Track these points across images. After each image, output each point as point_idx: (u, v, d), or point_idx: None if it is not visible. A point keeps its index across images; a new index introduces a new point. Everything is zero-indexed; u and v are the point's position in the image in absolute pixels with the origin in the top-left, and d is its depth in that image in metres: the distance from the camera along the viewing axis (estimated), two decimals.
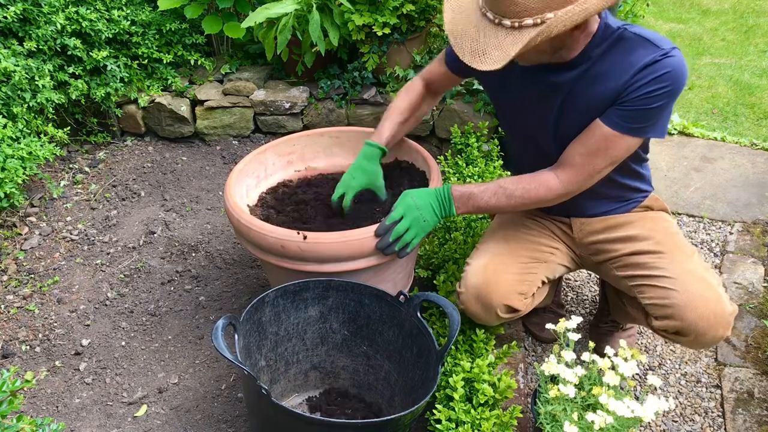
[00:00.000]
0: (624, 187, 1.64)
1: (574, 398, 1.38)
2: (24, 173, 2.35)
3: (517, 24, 1.26)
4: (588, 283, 2.31)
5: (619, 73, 1.40)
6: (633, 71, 1.38)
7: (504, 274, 1.64)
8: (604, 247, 1.68)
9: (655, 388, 1.90)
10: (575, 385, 1.37)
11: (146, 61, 2.92)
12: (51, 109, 2.62)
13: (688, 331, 1.49)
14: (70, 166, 2.86)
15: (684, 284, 1.49)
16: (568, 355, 1.41)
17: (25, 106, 2.50)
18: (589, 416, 1.29)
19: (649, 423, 1.81)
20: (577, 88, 1.46)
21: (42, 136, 2.58)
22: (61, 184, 2.74)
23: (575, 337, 1.46)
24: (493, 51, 1.29)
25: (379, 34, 2.62)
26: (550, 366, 1.40)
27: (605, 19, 1.42)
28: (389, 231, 1.61)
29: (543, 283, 1.72)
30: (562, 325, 1.47)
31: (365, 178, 1.80)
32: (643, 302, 1.57)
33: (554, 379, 1.41)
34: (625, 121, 1.42)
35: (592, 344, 1.48)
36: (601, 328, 1.99)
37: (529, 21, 1.25)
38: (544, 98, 1.52)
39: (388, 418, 1.36)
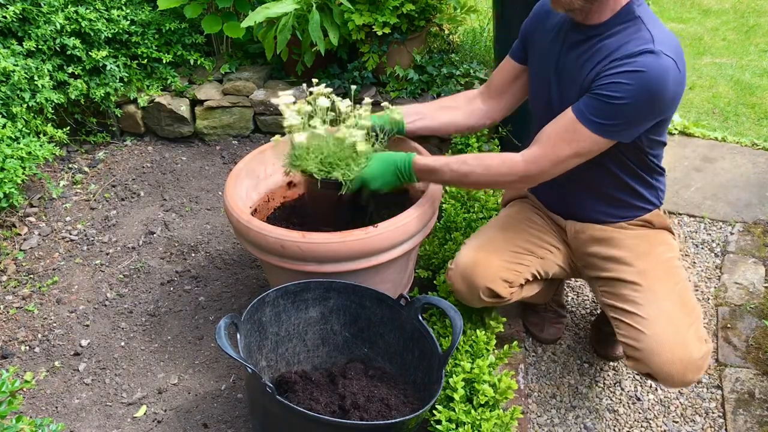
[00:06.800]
0: (628, 189, 1.60)
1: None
2: (23, 173, 2.34)
3: None
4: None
5: (607, 57, 1.42)
6: (612, 58, 1.40)
7: (494, 258, 1.66)
8: (593, 262, 1.68)
9: (656, 389, 1.90)
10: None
11: (146, 60, 2.91)
12: (50, 109, 2.61)
13: (656, 375, 1.50)
14: (70, 166, 2.86)
15: (654, 327, 1.49)
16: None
17: (25, 105, 2.50)
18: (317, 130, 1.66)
19: (650, 423, 1.81)
20: (580, 55, 1.48)
21: (41, 136, 2.58)
22: (61, 184, 2.73)
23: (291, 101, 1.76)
24: None
25: (379, 33, 2.62)
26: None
27: (634, 4, 1.42)
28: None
29: (534, 278, 1.72)
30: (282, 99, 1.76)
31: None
32: (618, 337, 1.58)
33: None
34: (586, 109, 1.42)
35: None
36: (603, 330, 1.98)
37: None
38: (564, 56, 1.53)
39: (393, 421, 1.36)
